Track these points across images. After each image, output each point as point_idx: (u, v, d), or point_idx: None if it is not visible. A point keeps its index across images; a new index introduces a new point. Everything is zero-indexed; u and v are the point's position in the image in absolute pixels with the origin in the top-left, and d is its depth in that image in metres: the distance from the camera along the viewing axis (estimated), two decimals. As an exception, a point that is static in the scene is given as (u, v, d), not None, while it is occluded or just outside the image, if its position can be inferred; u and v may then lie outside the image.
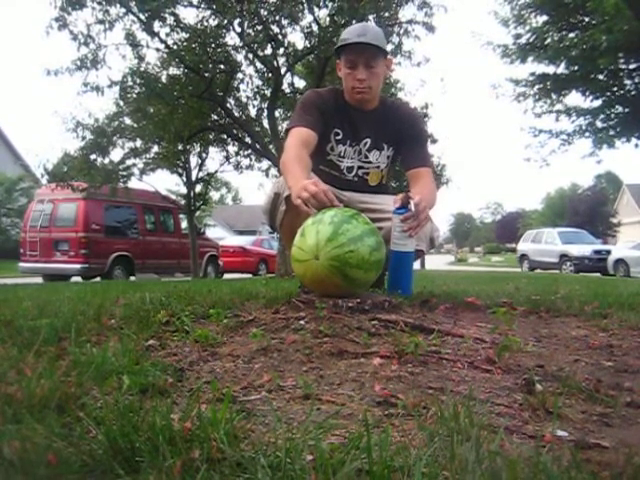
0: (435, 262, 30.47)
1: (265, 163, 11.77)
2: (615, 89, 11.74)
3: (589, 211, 36.85)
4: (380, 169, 2.35)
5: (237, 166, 12.46)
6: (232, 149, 12.20)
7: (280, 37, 8.66)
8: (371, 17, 8.46)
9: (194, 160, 13.54)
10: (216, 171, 14.03)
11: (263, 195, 2.45)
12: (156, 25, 8.51)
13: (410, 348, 1.40)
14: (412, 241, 2.01)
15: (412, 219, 1.94)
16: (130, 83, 9.32)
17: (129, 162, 11.67)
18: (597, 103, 11.84)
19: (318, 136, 2.19)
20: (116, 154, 11.34)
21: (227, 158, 12.59)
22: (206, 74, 9.11)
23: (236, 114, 10.30)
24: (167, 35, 8.86)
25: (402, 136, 2.31)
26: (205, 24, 8.77)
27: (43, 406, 0.94)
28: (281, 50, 8.99)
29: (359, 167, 2.33)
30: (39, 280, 10.44)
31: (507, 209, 78.64)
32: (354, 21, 8.36)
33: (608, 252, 15.28)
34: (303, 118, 2.20)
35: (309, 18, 8.70)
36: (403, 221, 1.95)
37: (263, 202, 2.38)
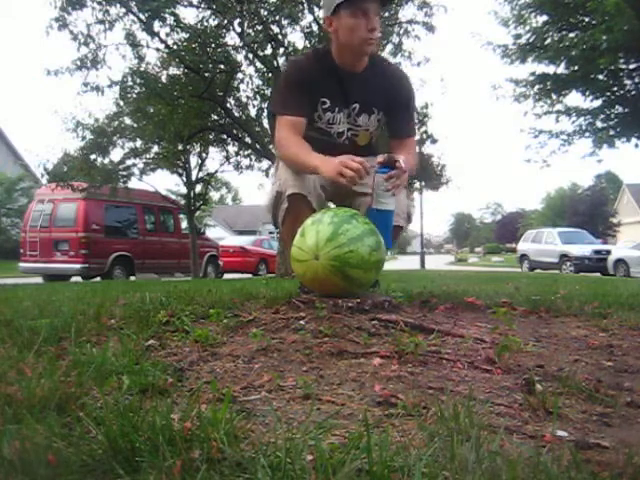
0: (435, 262, 30.46)
1: (265, 163, 11.76)
2: (615, 89, 11.73)
3: (589, 211, 36.85)
4: (369, 131, 2.29)
5: (237, 166, 12.45)
6: (232, 149, 12.19)
7: (280, 37, 8.66)
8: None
9: (194, 160, 13.56)
10: (216, 171, 14.04)
11: (264, 194, 2.43)
12: (156, 25, 8.51)
13: (410, 348, 1.40)
14: (393, 200, 2.01)
15: (396, 178, 1.95)
16: (130, 83, 9.32)
17: (129, 162, 11.68)
18: (597, 103, 11.83)
19: (306, 115, 2.16)
20: (116, 154, 11.36)
21: (227, 158, 12.58)
22: (206, 74, 9.11)
23: (236, 114, 10.30)
24: (167, 35, 8.86)
25: (390, 101, 2.22)
26: (205, 24, 8.77)
27: (43, 406, 0.94)
28: (281, 50, 8.98)
29: (349, 129, 2.26)
30: (39, 280, 10.44)
31: (507, 209, 78.80)
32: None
33: (608, 252, 15.27)
34: (289, 104, 2.14)
35: (309, 18, 8.71)
36: (387, 180, 1.95)
37: (266, 200, 2.35)
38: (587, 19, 11.14)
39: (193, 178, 13.51)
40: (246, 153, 11.90)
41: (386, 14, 8.48)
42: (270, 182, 2.35)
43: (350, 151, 2.23)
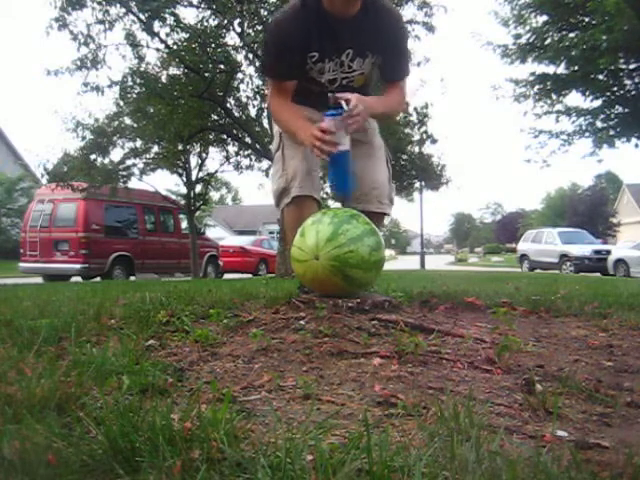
0: (435, 262, 30.47)
1: (265, 163, 11.75)
2: (615, 89, 11.73)
3: (589, 211, 36.84)
4: (364, 74, 2.23)
5: (237, 166, 12.45)
6: (232, 149, 12.20)
7: (280, 37, 8.65)
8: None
9: (194, 160, 13.55)
10: (216, 171, 14.04)
11: (271, 178, 2.40)
12: (156, 25, 8.51)
13: (410, 348, 1.40)
14: (347, 139, 1.98)
15: (348, 119, 1.93)
16: (130, 83, 9.32)
17: (129, 162, 11.68)
18: (597, 103, 11.84)
19: (295, 76, 2.15)
20: (116, 154, 11.36)
21: (227, 158, 12.58)
22: (206, 74, 9.10)
23: (236, 114, 10.30)
24: (167, 35, 8.87)
25: (384, 44, 2.15)
26: (205, 24, 8.77)
27: (43, 406, 0.94)
28: (281, 50, 8.98)
29: (343, 78, 2.20)
30: (39, 280, 10.44)
31: (507, 209, 78.79)
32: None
33: (608, 252, 15.27)
34: (276, 68, 2.14)
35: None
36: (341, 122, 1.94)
37: (272, 187, 2.34)
38: (587, 19, 11.15)
39: (193, 178, 13.50)
40: (246, 153, 11.90)
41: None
42: (275, 168, 2.30)
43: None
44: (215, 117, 10.89)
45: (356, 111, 1.92)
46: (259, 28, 8.34)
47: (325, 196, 9.56)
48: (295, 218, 2.14)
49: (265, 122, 10.30)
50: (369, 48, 2.16)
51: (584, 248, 15.89)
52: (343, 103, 1.93)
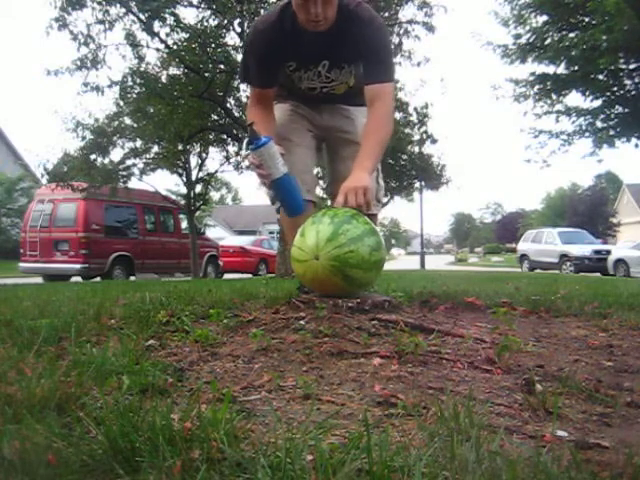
0: (435, 262, 30.47)
1: (265, 163, 11.76)
2: (615, 89, 11.73)
3: (589, 211, 36.83)
4: (346, 83, 2.22)
5: (237, 166, 12.46)
6: (232, 149, 12.20)
7: (280, 37, 8.65)
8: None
9: (194, 160, 13.55)
10: (216, 171, 14.03)
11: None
12: (156, 25, 8.50)
13: (410, 348, 1.40)
14: (279, 164, 1.97)
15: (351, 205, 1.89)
16: (130, 83, 9.31)
17: (129, 162, 11.68)
18: (597, 103, 11.84)
19: (274, 80, 2.16)
20: (116, 154, 11.35)
21: (227, 158, 12.58)
22: (206, 74, 9.10)
23: (236, 114, 10.29)
24: (167, 35, 8.86)
25: (360, 52, 2.09)
26: (205, 24, 8.77)
27: (43, 406, 0.94)
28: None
29: (322, 87, 2.21)
30: (39, 280, 10.43)
31: (507, 209, 78.78)
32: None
33: (608, 252, 15.27)
34: (253, 76, 2.14)
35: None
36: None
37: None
38: (587, 19, 11.15)
39: (193, 178, 13.50)
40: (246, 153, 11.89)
41: (386, 14, 8.49)
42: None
43: (330, 100, 2.29)
44: (215, 117, 10.89)
45: (361, 203, 1.88)
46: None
47: (325, 196, 9.56)
48: (291, 220, 2.15)
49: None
50: (344, 59, 2.15)
51: (584, 248, 15.89)
52: (260, 140, 1.92)
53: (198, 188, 13.85)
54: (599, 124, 11.89)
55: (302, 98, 2.28)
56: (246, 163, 12.01)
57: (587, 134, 11.97)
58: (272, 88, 2.15)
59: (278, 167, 1.97)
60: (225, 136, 11.33)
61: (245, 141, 1.97)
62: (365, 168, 1.98)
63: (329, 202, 2.56)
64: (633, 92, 11.53)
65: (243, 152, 2.11)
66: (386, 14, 8.48)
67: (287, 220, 2.23)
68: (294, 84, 2.22)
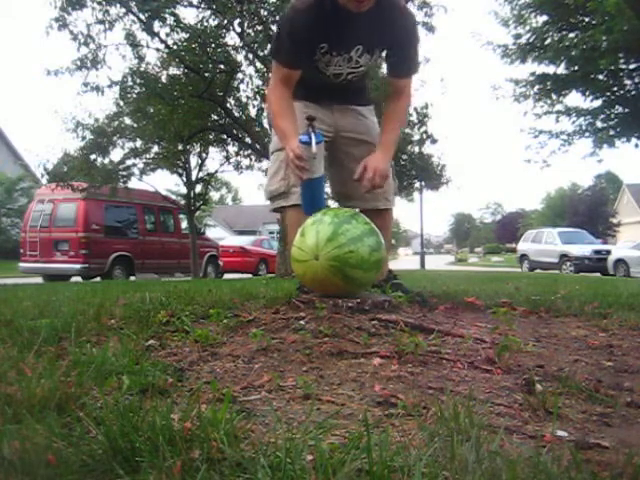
0: (435, 262, 30.47)
1: (265, 163, 11.75)
2: (615, 89, 11.73)
3: (589, 211, 36.83)
4: (365, 69, 2.28)
5: (237, 166, 12.45)
6: (232, 149, 12.19)
7: (280, 37, 8.65)
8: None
9: (194, 160, 13.55)
10: (216, 171, 14.03)
11: (268, 173, 2.43)
12: (156, 25, 8.50)
13: (410, 348, 1.40)
14: (320, 166, 2.02)
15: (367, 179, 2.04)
16: (130, 83, 9.31)
17: (129, 162, 11.68)
18: (597, 103, 11.84)
19: (302, 66, 2.16)
20: (116, 154, 11.35)
21: (227, 158, 12.58)
22: (206, 74, 9.10)
23: (236, 114, 10.29)
24: (167, 35, 8.86)
25: (393, 39, 2.15)
26: (205, 24, 8.76)
27: (43, 406, 0.94)
28: (281, 50, 8.98)
29: (348, 73, 2.23)
30: (39, 280, 10.43)
31: (507, 209, 78.79)
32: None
33: (608, 252, 15.27)
34: (287, 55, 2.13)
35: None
36: (357, 180, 2.05)
37: (268, 185, 2.36)
38: (587, 19, 11.14)
39: (193, 178, 13.50)
40: (246, 153, 11.89)
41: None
42: (275, 167, 2.32)
43: (342, 90, 2.30)
44: (215, 117, 10.88)
45: (377, 182, 2.04)
46: (259, 28, 8.34)
47: (326, 196, 9.55)
48: (296, 221, 2.16)
49: (265, 122, 10.29)
50: (378, 44, 2.18)
51: (584, 248, 15.89)
52: (313, 137, 1.94)
53: (198, 188, 13.86)
54: (599, 124, 11.88)
55: (317, 92, 2.28)
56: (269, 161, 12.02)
57: (587, 134, 11.97)
58: (299, 70, 2.15)
59: (320, 167, 2.01)
60: (225, 136, 11.33)
61: (302, 133, 2.00)
62: (388, 153, 2.19)
63: (331, 203, 2.58)
64: (633, 92, 11.53)
65: (298, 150, 2.13)
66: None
67: (293, 220, 2.24)
68: (317, 71, 2.21)
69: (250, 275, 14.39)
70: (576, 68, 11.33)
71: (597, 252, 15.55)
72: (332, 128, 2.33)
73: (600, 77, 11.50)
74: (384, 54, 2.24)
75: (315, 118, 1.97)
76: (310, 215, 1.99)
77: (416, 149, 14.76)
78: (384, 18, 2.07)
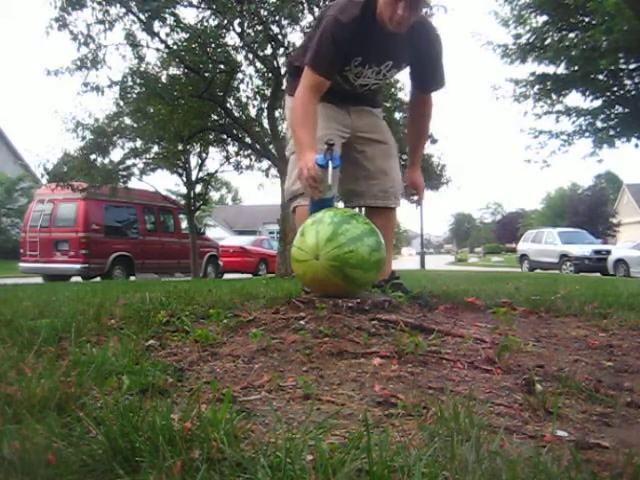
0: (435, 262, 30.47)
1: (265, 163, 11.77)
2: (615, 89, 11.72)
3: (589, 211, 36.81)
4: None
5: (237, 166, 12.45)
6: (232, 149, 12.19)
7: (280, 37, 8.66)
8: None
9: (194, 160, 13.55)
10: (216, 171, 14.03)
11: (289, 174, 2.45)
12: (156, 25, 8.49)
13: (410, 348, 1.40)
14: (333, 189, 2.07)
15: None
16: (130, 83, 9.31)
17: (129, 162, 11.67)
18: (597, 103, 11.83)
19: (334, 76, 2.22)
20: (116, 154, 11.35)
21: (227, 158, 12.58)
22: (206, 74, 9.10)
23: (236, 114, 10.29)
24: (167, 35, 8.85)
25: (421, 56, 2.26)
26: (205, 24, 8.75)
27: (43, 406, 0.94)
28: (281, 50, 8.98)
29: (374, 84, 2.34)
30: (39, 280, 10.43)
31: (507, 209, 78.75)
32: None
33: (608, 252, 15.26)
34: (323, 64, 2.15)
35: (309, 18, 8.70)
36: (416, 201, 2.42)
37: (290, 184, 2.39)
38: (587, 19, 11.14)
39: (193, 178, 13.50)
40: (246, 153, 11.90)
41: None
42: (294, 166, 2.32)
43: (361, 98, 2.41)
44: (215, 117, 10.88)
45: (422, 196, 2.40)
46: (259, 28, 8.34)
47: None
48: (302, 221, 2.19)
49: (265, 122, 10.30)
50: (406, 60, 2.30)
51: (584, 248, 15.89)
52: (336, 152, 1.99)
53: (198, 188, 13.86)
54: (599, 124, 11.87)
55: (337, 95, 2.32)
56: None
57: (587, 134, 11.96)
58: (331, 80, 2.19)
59: (333, 189, 2.06)
60: (225, 136, 11.33)
61: (319, 156, 2.02)
62: (419, 167, 2.47)
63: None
64: (633, 92, 11.52)
65: (312, 164, 2.18)
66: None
67: (301, 220, 2.26)
68: (344, 80, 2.28)
69: (250, 275, 14.39)
70: (576, 68, 11.33)
71: (597, 252, 15.55)
72: (349, 128, 2.39)
73: (600, 77, 11.49)
74: (409, 69, 2.36)
75: (334, 144, 1.99)
76: None
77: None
78: (415, 37, 2.18)
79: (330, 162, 1.93)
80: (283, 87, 9.80)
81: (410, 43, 2.19)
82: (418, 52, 2.23)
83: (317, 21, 2.39)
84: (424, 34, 2.21)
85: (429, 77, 2.34)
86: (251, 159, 12.05)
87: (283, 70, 9.36)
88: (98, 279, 10.53)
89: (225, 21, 8.49)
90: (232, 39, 9.17)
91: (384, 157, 2.41)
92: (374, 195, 2.37)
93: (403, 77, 15.58)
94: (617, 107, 11.73)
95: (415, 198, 2.44)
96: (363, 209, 2.53)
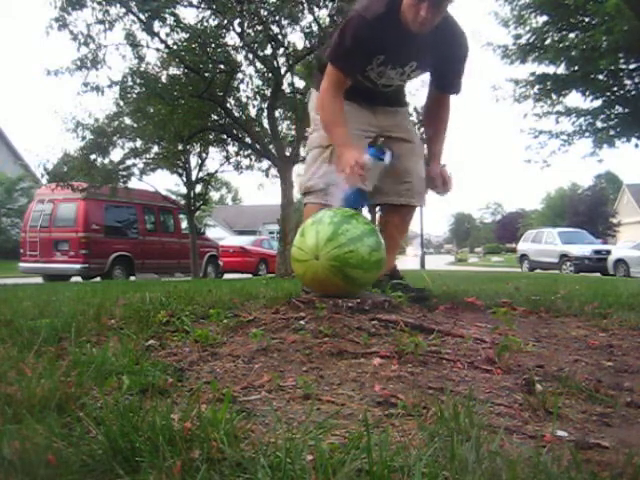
0: (435, 262, 30.46)
1: (265, 163, 11.76)
2: (615, 89, 11.72)
3: (589, 211, 36.82)
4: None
5: (237, 166, 12.44)
6: (232, 149, 12.18)
7: (280, 37, 8.66)
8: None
9: (194, 160, 13.53)
10: (216, 171, 14.01)
11: (305, 164, 2.48)
12: (156, 25, 8.49)
13: (410, 348, 1.40)
14: (372, 182, 2.13)
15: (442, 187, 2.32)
16: (130, 83, 9.31)
17: (129, 162, 11.67)
18: (597, 103, 11.83)
19: (359, 70, 2.22)
20: (116, 154, 11.34)
21: (227, 158, 12.57)
22: (206, 74, 9.10)
23: (236, 114, 10.29)
24: (167, 35, 8.84)
25: (446, 58, 2.25)
26: (205, 24, 8.75)
27: (43, 406, 0.94)
28: (281, 50, 8.98)
29: (398, 85, 2.36)
30: (39, 280, 10.43)
31: (507, 209, 78.77)
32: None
33: (608, 252, 15.26)
34: (347, 62, 2.16)
35: (309, 18, 8.70)
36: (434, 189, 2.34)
37: (308, 179, 2.38)
38: (587, 20, 11.14)
39: (193, 178, 13.49)
40: (246, 153, 11.89)
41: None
42: (317, 164, 2.34)
43: (386, 97, 2.40)
44: (215, 117, 10.88)
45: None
46: (259, 28, 8.34)
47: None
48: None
49: (265, 122, 10.30)
50: (431, 63, 2.29)
51: (584, 248, 15.89)
52: (387, 154, 2.10)
53: (198, 188, 13.85)
54: (599, 124, 11.88)
55: (362, 95, 2.33)
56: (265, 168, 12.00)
57: (587, 134, 11.96)
58: (353, 76, 2.20)
59: (373, 181, 2.15)
60: (225, 136, 11.32)
61: (372, 150, 2.17)
62: (439, 160, 2.40)
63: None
64: (633, 92, 11.52)
65: (366, 157, 2.26)
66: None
67: (310, 215, 2.31)
68: (367, 79, 2.27)
69: (250, 275, 14.39)
70: (576, 68, 11.33)
71: (597, 252, 15.55)
72: (375, 127, 2.39)
73: (600, 77, 11.49)
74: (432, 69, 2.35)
75: (383, 139, 2.09)
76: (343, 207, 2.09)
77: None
78: (441, 39, 2.15)
79: (386, 154, 2.06)
80: (283, 87, 9.83)
81: (438, 45, 2.16)
82: (441, 53, 2.20)
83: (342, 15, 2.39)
84: (449, 35, 2.18)
85: (450, 79, 2.33)
86: (251, 159, 12.05)
87: (283, 70, 9.37)
88: (98, 279, 10.53)
89: (225, 21, 8.48)
90: (232, 39, 9.18)
91: (409, 156, 2.42)
92: (398, 193, 2.39)
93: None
94: (617, 107, 11.73)
95: (440, 190, 2.37)
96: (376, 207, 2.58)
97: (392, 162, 2.18)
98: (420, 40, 2.12)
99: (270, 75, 9.46)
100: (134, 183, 12.07)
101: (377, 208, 3.36)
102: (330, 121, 2.19)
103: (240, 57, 9.49)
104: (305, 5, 8.32)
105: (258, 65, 9.67)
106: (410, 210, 2.49)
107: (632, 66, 11.32)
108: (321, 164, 2.32)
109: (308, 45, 8.87)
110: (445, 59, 2.23)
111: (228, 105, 10.08)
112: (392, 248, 2.38)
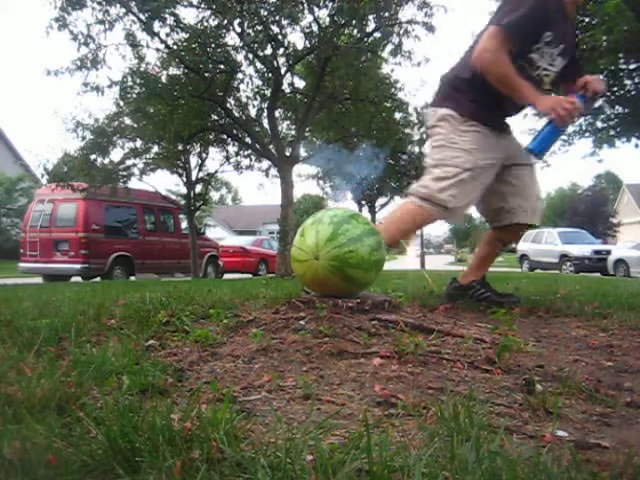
0: (435, 262, 30.46)
1: (265, 163, 11.77)
2: (615, 89, 11.72)
3: (589, 211, 36.81)
4: (552, 76, 2.40)
5: (237, 166, 12.45)
6: (232, 149, 12.19)
7: (280, 37, 8.66)
8: (371, 17, 8.46)
9: (194, 160, 13.53)
10: (216, 171, 14.01)
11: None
12: (156, 25, 8.49)
13: (410, 348, 1.40)
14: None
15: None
16: (130, 83, 9.31)
17: (129, 162, 11.66)
18: (597, 103, 11.83)
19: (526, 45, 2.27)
20: (116, 154, 11.34)
21: (227, 158, 12.57)
22: (206, 74, 9.10)
23: (236, 114, 10.29)
24: (167, 35, 8.85)
25: (574, 46, 2.37)
26: (205, 24, 8.76)
27: (43, 406, 0.94)
28: (281, 50, 8.99)
29: (544, 69, 2.35)
30: (39, 280, 10.43)
31: (507, 209, 78.41)
32: (354, 21, 8.37)
33: (608, 252, 15.26)
34: (518, 33, 2.18)
35: (309, 18, 8.71)
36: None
37: (438, 183, 2.36)
38: (587, 20, 11.14)
39: (193, 178, 13.50)
40: (246, 153, 11.90)
41: (386, 14, 8.48)
42: (453, 177, 2.32)
43: (517, 109, 2.46)
44: (215, 117, 10.88)
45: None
46: (259, 28, 8.34)
47: (325, 196, 9.54)
48: (411, 218, 2.42)
49: (265, 122, 10.30)
50: (571, 48, 2.37)
51: (584, 248, 15.88)
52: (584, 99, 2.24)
53: (198, 188, 13.85)
54: (599, 124, 11.88)
55: (496, 122, 2.41)
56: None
57: (587, 134, 11.97)
58: (517, 48, 2.22)
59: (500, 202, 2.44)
60: (225, 136, 11.33)
61: (577, 94, 2.30)
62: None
63: (330, 203, 2.58)
64: (633, 92, 11.53)
65: (577, 101, 2.42)
66: (386, 14, 8.48)
67: (411, 215, 2.44)
68: (530, 64, 2.30)
69: (250, 275, 14.39)
70: (576, 68, 11.32)
71: (597, 252, 15.54)
72: (502, 154, 2.41)
73: (600, 77, 11.49)
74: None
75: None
76: (539, 156, 2.28)
77: (416, 149, 14.74)
78: (573, 27, 2.30)
79: (584, 97, 2.26)
80: (283, 87, 9.83)
81: (573, 30, 2.29)
82: (573, 39, 2.33)
83: None
84: (574, 25, 2.33)
85: (576, 62, 2.45)
86: (251, 159, 12.06)
87: (283, 70, 9.37)
88: (98, 279, 10.53)
89: (225, 21, 8.49)
90: (232, 39, 9.19)
91: (530, 176, 2.51)
92: (525, 212, 2.45)
93: (403, 77, 15.52)
94: (617, 107, 11.72)
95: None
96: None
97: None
98: (570, 25, 2.27)
99: (270, 75, 9.47)
100: (134, 183, 12.09)
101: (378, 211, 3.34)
102: (509, 73, 2.18)
103: (240, 57, 9.50)
104: (305, 5, 8.33)
105: (258, 65, 9.68)
106: (524, 228, 2.58)
107: (632, 66, 11.32)
108: (458, 182, 2.30)
109: (308, 45, 8.87)
110: (574, 47, 2.35)
111: (228, 105, 10.09)
112: (491, 260, 2.61)
